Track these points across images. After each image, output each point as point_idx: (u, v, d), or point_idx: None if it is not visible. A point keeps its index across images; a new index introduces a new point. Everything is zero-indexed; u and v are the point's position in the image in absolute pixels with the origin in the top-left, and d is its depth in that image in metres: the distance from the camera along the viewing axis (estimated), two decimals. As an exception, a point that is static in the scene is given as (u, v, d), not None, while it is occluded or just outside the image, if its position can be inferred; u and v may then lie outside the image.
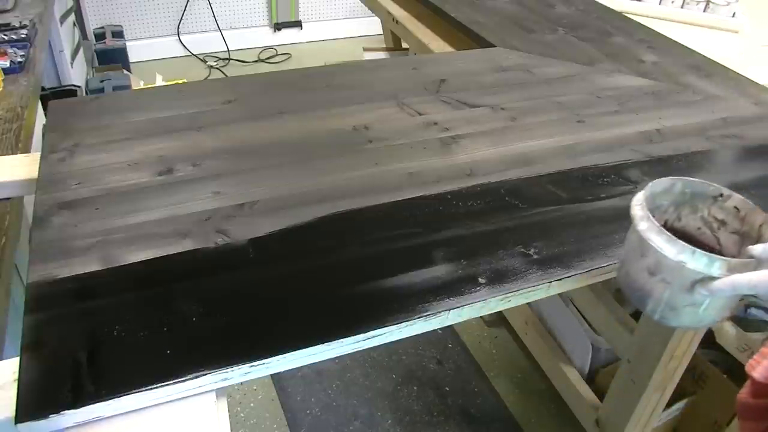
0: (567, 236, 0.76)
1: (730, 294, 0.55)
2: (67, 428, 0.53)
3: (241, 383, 1.61)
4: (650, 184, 0.63)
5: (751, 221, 0.62)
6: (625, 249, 0.64)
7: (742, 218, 0.63)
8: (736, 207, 0.63)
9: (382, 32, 2.85)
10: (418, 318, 0.63)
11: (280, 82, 1.14)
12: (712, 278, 0.55)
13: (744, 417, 0.57)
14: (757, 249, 0.55)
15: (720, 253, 0.61)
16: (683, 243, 0.55)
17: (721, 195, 0.64)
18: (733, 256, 0.60)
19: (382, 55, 2.53)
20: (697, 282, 0.56)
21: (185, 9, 3.37)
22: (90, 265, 0.66)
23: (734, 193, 0.63)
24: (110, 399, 0.53)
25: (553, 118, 1.04)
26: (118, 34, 3.06)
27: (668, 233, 0.56)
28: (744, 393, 0.57)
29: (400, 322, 0.62)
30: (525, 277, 0.69)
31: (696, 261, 0.55)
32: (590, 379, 1.46)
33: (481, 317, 1.83)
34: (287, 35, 3.71)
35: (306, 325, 0.61)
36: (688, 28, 1.72)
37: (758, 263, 0.55)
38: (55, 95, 1.78)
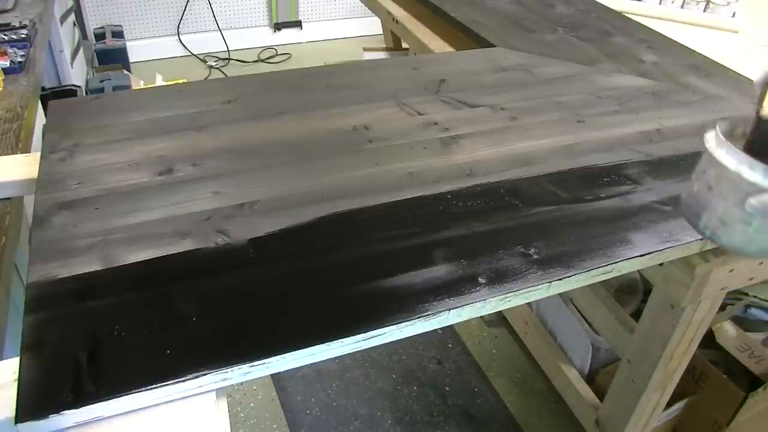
0: (567, 236, 0.76)
1: None
2: (67, 428, 0.53)
3: (241, 383, 1.61)
4: (727, 118, 0.65)
5: None
6: (693, 175, 0.66)
7: None
8: None
9: (382, 32, 2.85)
10: (418, 318, 0.63)
11: (280, 82, 1.14)
12: (766, 190, 0.56)
13: None
14: None
15: None
16: (745, 155, 0.57)
17: None
18: None
19: (382, 55, 2.53)
20: (750, 194, 0.57)
21: (185, 9, 3.37)
22: (90, 265, 0.66)
23: None
24: (110, 399, 0.53)
25: (553, 118, 1.04)
26: (118, 34, 3.06)
27: (731, 145, 0.58)
28: None
29: (400, 322, 0.62)
30: (525, 277, 0.69)
31: (754, 172, 0.56)
32: (590, 379, 1.45)
33: (481, 317, 1.83)
34: (287, 35, 3.71)
35: (306, 325, 0.61)
36: (688, 28, 1.72)
37: None
38: (55, 95, 1.78)
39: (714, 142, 0.61)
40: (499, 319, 1.84)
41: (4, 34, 1.41)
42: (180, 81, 2.01)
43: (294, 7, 3.64)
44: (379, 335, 0.62)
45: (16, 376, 0.54)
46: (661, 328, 1.05)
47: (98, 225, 0.72)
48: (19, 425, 0.50)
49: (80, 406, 0.52)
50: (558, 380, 1.49)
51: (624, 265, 0.74)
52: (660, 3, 1.80)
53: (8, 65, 1.27)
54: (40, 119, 1.23)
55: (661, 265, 0.90)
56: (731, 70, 1.30)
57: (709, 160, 0.61)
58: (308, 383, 1.63)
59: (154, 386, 0.54)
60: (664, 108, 1.11)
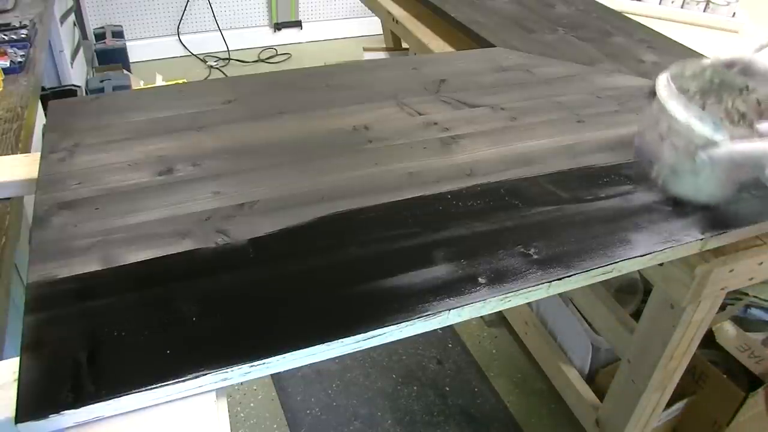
0: (567, 236, 0.76)
1: (727, 161, 0.56)
2: (67, 428, 0.53)
3: (241, 383, 1.61)
4: (680, 61, 0.64)
5: None
6: (643, 120, 0.66)
7: (761, 112, 0.64)
8: (758, 100, 0.64)
9: (382, 32, 2.85)
10: (418, 318, 0.63)
11: (280, 82, 1.14)
12: (715, 144, 0.56)
13: None
14: (763, 125, 0.57)
15: None
16: (695, 107, 0.57)
17: (747, 87, 0.65)
18: None
19: (382, 55, 2.53)
20: (700, 146, 0.58)
21: (185, 9, 3.37)
22: (90, 265, 0.66)
23: (761, 87, 0.64)
24: (110, 399, 0.53)
25: (553, 118, 1.04)
26: (118, 34, 3.06)
27: (684, 98, 0.58)
28: None
29: (400, 322, 0.62)
30: (525, 277, 0.69)
31: (703, 125, 0.57)
32: (590, 379, 1.45)
33: (481, 317, 1.83)
34: (287, 35, 3.71)
35: (306, 325, 0.61)
36: (688, 28, 1.72)
37: (761, 139, 0.56)
38: (55, 95, 1.78)
39: (665, 92, 0.61)
40: (499, 319, 1.84)
41: (4, 34, 1.41)
42: (180, 81, 2.01)
43: (294, 7, 3.64)
44: (379, 335, 0.62)
45: (16, 376, 0.54)
46: (661, 328, 1.05)
47: (98, 225, 0.72)
48: (19, 425, 0.50)
49: (80, 406, 0.52)
50: (558, 380, 1.49)
51: (624, 265, 0.74)
52: (660, 3, 1.80)
53: (8, 65, 1.27)
54: (40, 119, 1.23)
55: (661, 265, 0.90)
56: (731, 70, 1.30)
57: (660, 109, 0.61)
58: (308, 383, 1.63)
59: (154, 386, 0.54)
60: (664, 108, 1.11)
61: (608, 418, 1.28)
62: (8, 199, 0.90)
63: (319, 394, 1.60)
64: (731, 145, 0.55)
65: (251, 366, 0.57)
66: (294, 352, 0.58)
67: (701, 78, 0.66)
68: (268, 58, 3.54)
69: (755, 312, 1.42)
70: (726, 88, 0.66)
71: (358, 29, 3.83)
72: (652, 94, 0.64)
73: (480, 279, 0.68)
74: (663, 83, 0.62)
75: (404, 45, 2.45)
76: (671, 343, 1.04)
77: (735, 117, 0.66)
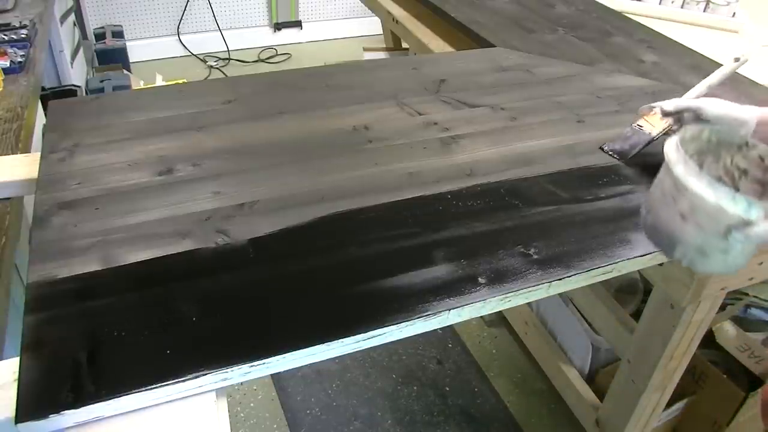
0: (567, 236, 0.76)
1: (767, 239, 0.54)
2: (67, 428, 0.53)
3: (241, 383, 1.61)
4: (683, 129, 0.63)
5: None
6: (652, 195, 0.63)
7: (766, 168, 0.63)
8: (760, 156, 0.63)
9: (382, 32, 2.85)
10: (418, 318, 0.63)
11: (280, 82, 1.14)
12: (749, 223, 0.54)
13: None
14: None
15: None
16: (723, 186, 0.55)
17: (747, 144, 0.64)
18: None
19: (382, 55, 2.53)
20: (733, 226, 0.55)
21: (185, 9, 3.37)
22: (90, 265, 0.66)
23: (759, 143, 0.63)
24: (110, 399, 0.53)
25: (553, 118, 1.04)
26: (118, 34, 3.05)
27: (708, 177, 0.56)
28: (767, 391, 0.57)
29: (400, 322, 0.62)
30: (525, 277, 0.69)
31: (736, 205, 0.54)
32: (590, 379, 1.45)
33: (481, 317, 1.83)
34: (287, 35, 3.71)
35: (306, 325, 0.61)
36: (688, 28, 1.72)
37: None
38: (55, 95, 1.78)
39: (682, 168, 0.57)
40: (499, 319, 1.84)
41: (4, 34, 1.41)
42: (180, 81, 2.01)
43: (294, 7, 3.64)
44: (379, 335, 0.62)
45: (16, 376, 0.54)
46: (661, 328, 1.05)
47: (98, 225, 0.72)
48: (19, 425, 0.50)
49: (80, 406, 0.52)
50: (558, 380, 1.49)
51: (624, 265, 0.74)
52: (660, 3, 1.80)
53: (8, 65, 1.27)
54: (40, 119, 1.23)
55: (661, 265, 0.90)
56: (731, 70, 1.30)
57: (677, 185, 0.58)
58: (308, 383, 1.63)
59: (154, 386, 0.54)
60: (664, 108, 1.11)
61: (608, 418, 1.28)
62: (8, 199, 0.90)
63: (319, 394, 1.60)
64: None
65: (251, 366, 0.57)
66: (294, 352, 0.58)
67: (699, 139, 0.65)
68: (268, 58, 3.54)
69: (755, 312, 1.42)
70: (724, 145, 0.65)
71: (358, 29, 3.83)
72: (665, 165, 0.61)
73: (480, 279, 0.68)
74: (675, 157, 0.59)
75: (404, 45, 2.45)
76: (671, 343, 1.04)
77: (735, 174, 0.65)
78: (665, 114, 0.88)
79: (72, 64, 2.14)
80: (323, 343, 0.59)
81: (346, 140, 0.94)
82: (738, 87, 1.22)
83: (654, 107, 0.91)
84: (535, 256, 0.72)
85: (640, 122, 0.93)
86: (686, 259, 0.60)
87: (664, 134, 0.89)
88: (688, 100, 0.90)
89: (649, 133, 0.91)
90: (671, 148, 0.60)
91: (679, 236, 0.59)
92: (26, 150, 1.05)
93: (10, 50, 1.32)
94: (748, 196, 0.63)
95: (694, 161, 0.66)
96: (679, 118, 0.87)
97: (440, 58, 1.38)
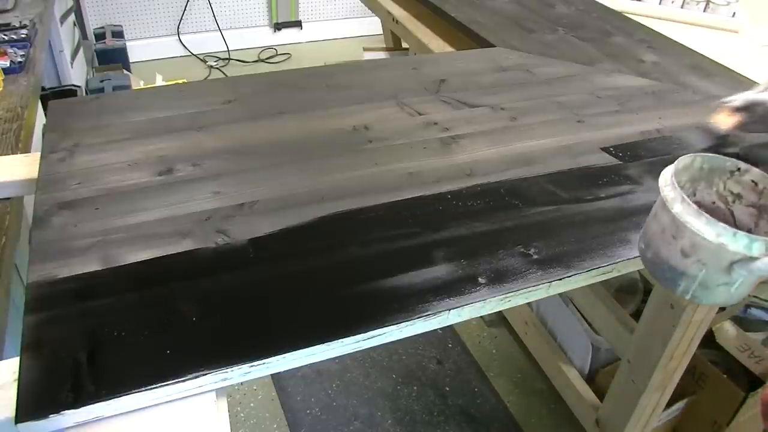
0: (567, 236, 0.76)
1: None
2: (67, 428, 0.53)
3: (241, 383, 1.61)
4: (676, 161, 0.63)
5: None
6: (650, 229, 0.63)
7: (760, 191, 0.63)
8: (753, 180, 0.63)
9: (382, 32, 2.85)
10: (418, 318, 0.63)
11: (280, 82, 1.14)
12: (751, 258, 0.55)
13: None
14: None
15: (735, 227, 0.61)
16: (723, 225, 0.55)
17: (739, 169, 0.64)
18: (750, 230, 0.60)
19: (382, 55, 2.53)
20: (736, 262, 0.56)
21: (185, 9, 3.37)
22: (90, 265, 0.66)
23: (752, 167, 0.64)
24: (110, 399, 0.53)
25: (553, 118, 1.04)
26: (118, 34, 3.06)
27: (707, 215, 0.56)
28: (767, 394, 0.57)
29: (400, 322, 0.62)
30: (525, 277, 0.69)
31: (737, 242, 0.55)
32: (590, 379, 1.45)
33: (481, 317, 1.83)
34: (287, 35, 3.71)
35: (306, 325, 0.61)
36: (688, 28, 1.72)
37: None
38: (55, 95, 1.78)
39: (680, 207, 0.58)
40: (499, 319, 1.84)
41: (4, 34, 1.41)
42: (180, 81, 2.01)
43: (294, 7, 3.64)
44: (379, 335, 0.62)
45: (16, 376, 0.54)
46: (661, 328, 1.05)
47: (98, 225, 0.72)
48: (19, 425, 0.50)
49: (80, 406, 0.52)
50: (558, 380, 1.49)
51: (624, 265, 0.74)
52: (660, 3, 1.80)
53: (8, 65, 1.27)
54: (40, 119, 1.23)
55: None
56: (731, 70, 1.30)
57: (675, 223, 0.58)
58: (308, 383, 1.63)
59: (154, 386, 0.54)
60: (664, 108, 1.11)
61: (608, 418, 1.28)
62: (8, 199, 0.90)
63: (319, 394, 1.60)
64: None
65: (251, 366, 0.57)
66: (294, 352, 0.58)
67: (691, 168, 0.65)
68: (268, 58, 3.54)
69: (755, 312, 1.42)
70: (716, 172, 0.66)
71: (358, 29, 3.83)
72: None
73: (480, 279, 0.68)
74: (672, 195, 0.59)
75: (404, 45, 2.45)
76: (671, 343, 1.04)
77: (729, 198, 0.66)
78: (736, 109, 0.88)
79: (72, 64, 2.14)
80: (323, 343, 0.59)
81: (346, 140, 0.94)
82: (737, 87, 1.22)
83: (728, 102, 0.90)
84: (535, 256, 0.72)
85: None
86: (689, 294, 0.61)
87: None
88: (757, 94, 0.90)
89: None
90: (667, 184, 0.60)
91: (682, 272, 0.60)
92: (26, 150, 1.05)
93: (10, 50, 1.32)
94: (743, 219, 0.64)
95: (687, 189, 0.66)
96: (748, 111, 0.87)
97: (440, 58, 1.38)
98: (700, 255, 0.57)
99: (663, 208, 0.60)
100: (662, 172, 0.62)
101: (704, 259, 0.57)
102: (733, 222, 0.65)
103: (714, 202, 0.67)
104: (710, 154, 0.65)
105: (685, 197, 0.58)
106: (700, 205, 0.66)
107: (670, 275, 0.61)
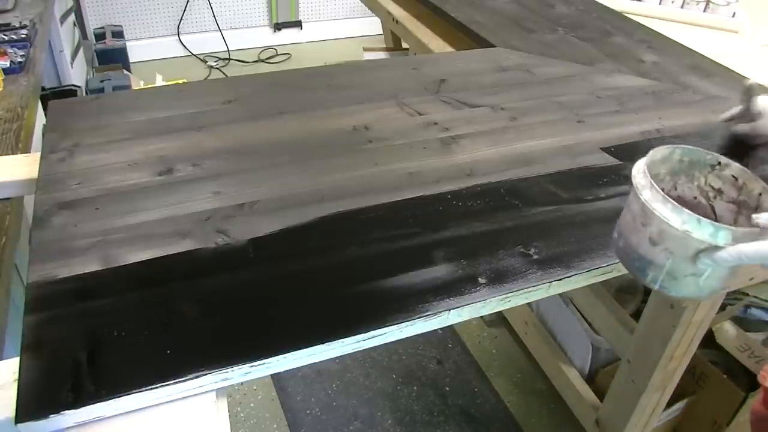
0: (567, 236, 0.76)
1: (735, 264, 0.54)
2: (68, 428, 0.53)
3: (241, 383, 1.61)
4: (651, 152, 0.62)
5: (750, 189, 0.61)
6: (623, 218, 0.63)
7: (740, 187, 0.62)
8: (733, 176, 0.63)
9: (382, 32, 2.85)
10: (418, 318, 0.63)
11: (280, 82, 1.14)
12: (717, 247, 0.54)
13: (760, 428, 0.56)
14: (762, 218, 0.54)
15: (716, 221, 0.61)
16: (688, 212, 0.55)
17: (719, 164, 0.64)
18: (731, 225, 0.60)
19: (382, 55, 2.53)
20: (701, 251, 0.55)
21: (185, 9, 3.37)
22: (90, 265, 0.66)
23: (732, 162, 0.63)
24: (110, 399, 0.53)
25: (553, 118, 1.04)
26: (118, 34, 3.05)
27: (673, 202, 0.56)
28: (758, 404, 0.57)
29: (400, 322, 0.62)
30: (525, 277, 0.69)
31: (702, 230, 0.54)
32: (590, 379, 1.45)
33: (481, 317, 1.83)
34: (287, 35, 3.71)
35: (306, 325, 0.61)
36: (688, 28, 1.72)
37: (762, 232, 0.54)
38: (55, 95, 1.78)
39: (649, 194, 0.57)
40: (499, 319, 1.84)
41: (4, 34, 1.41)
42: (180, 81, 2.01)
43: (294, 7, 3.64)
44: (379, 335, 0.62)
45: (16, 376, 0.54)
46: (661, 328, 1.05)
47: (98, 225, 0.72)
48: (19, 425, 0.50)
49: (80, 406, 0.52)
50: (558, 380, 1.49)
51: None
52: (660, 3, 1.80)
53: (8, 65, 1.27)
54: (40, 119, 1.23)
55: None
56: (731, 70, 1.30)
57: (645, 211, 0.58)
58: (308, 383, 1.63)
59: (154, 386, 0.54)
60: (664, 108, 1.11)
61: (608, 418, 1.28)
62: (8, 199, 0.90)
63: (319, 394, 1.60)
64: (739, 248, 0.53)
65: (251, 366, 0.57)
66: (294, 352, 0.58)
67: (670, 160, 0.64)
68: (268, 58, 3.53)
69: (755, 312, 1.42)
70: (696, 166, 0.65)
71: (358, 29, 3.83)
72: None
73: (480, 279, 0.68)
74: (642, 182, 0.59)
75: (404, 45, 2.45)
76: (671, 343, 1.04)
77: (710, 194, 0.65)
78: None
79: (72, 64, 2.14)
80: (323, 343, 0.59)
81: (346, 140, 0.94)
82: (738, 87, 1.22)
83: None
84: (535, 256, 0.72)
85: None
86: (657, 284, 0.60)
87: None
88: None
89: None
90: (639, 172, 0.60)
91: (650, 261, 0.59)
92: (26, 150, 1.05)
93: (10, 50, 1.32)
94: (724, 216, 0.64)
95: (668, 182, 0.66)
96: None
97: (440, 58, 1.38)
98: (667, 243, 0.57)
99: (634, 196, 0.59)
100: (637, 162, 0.62)
101: (671, 247, 0.57)
102: (714, 218, 0.64)
103: (695, 197, 0.66)
104: (690, 147, 0.64)
105: (654, 184, 0.57)
106: (681, 200, 0.65)
107: (639, 264, 0.60)
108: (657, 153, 0.63)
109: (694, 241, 0.55)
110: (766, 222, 0.54)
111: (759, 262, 0.53)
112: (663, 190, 0.65)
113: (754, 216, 0.55)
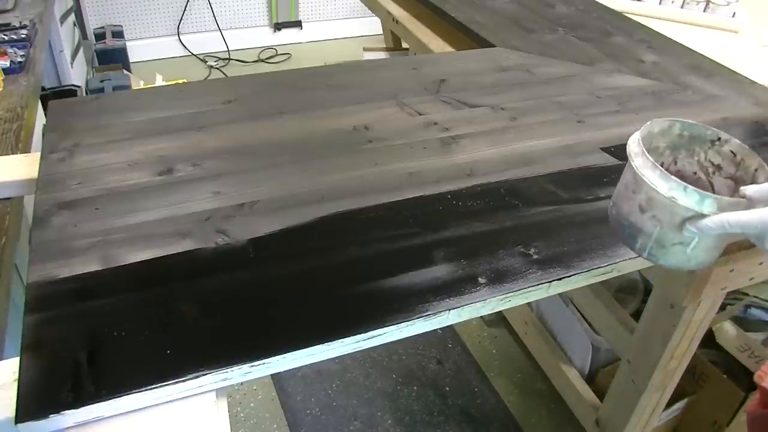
0: (567, 236, 0.76)
1: (719, 232, 0.54)
2: (68, 428, 0.53)
3: (241, 383, 1.61)
4: (648, 122, 0.62)
5: (747, 165, 0.61)
6: (617, 188, 0.63)
7: (738, 162, 0.62)
8: (732, 151, 0.63)
9: (382, 32, 2.85)
10: (418, 318, 0.63)
11: (280, 82, 1.14)
12: (703, 216, 0.55)
13: (755, 429, 0.56)
14: (749, 189, 0.55)
15: None
16: (676, 179, 0.55)
17: (719, 139, 0.64)
18: None
19: (382, 55, 2.53)
20: (687, 219, 0.56)
21: (185, 9, 3.37)
22: (90, 265, 0.66)
23: (732, 138, 0.63)
24: (110, 399, 0.53)
25: (553, 118, 1.04)
26: (118, 34, 3.05)
27: (662, 169, 0.56)
28: (753, 404, 0.56)
29: (400, 322, 0.62)
30: (525, 277, 0.69)
31: (687, 197, 0.55)
32: (590, 379, 1.45)
33: (481, 317, 1.83)
34: (287, 35, 3.71)
35: (306, 325, 0.61)
36: (688, 28, 1.72)
37: (749, 203, 0.54)
38: (55, 95, 1.78)
39: (640, 161, 0.58)
40: (499, 319, 1.84)
41: (4, 34, 1.41)
42: (180, 81, 2.01)
43: (294, 7, 3.64)
44: (379, 335, 0.62)
45: (16, 376, 0.54)
46: (661, 328, 1.05)
47: (98, 225, 0.72)
48: (19, 425, 0.50)
49: (80, 406, 0.52)
50: (558, 380, 1.49)
51: (624, 265, 0.74)
52: (660, 3, 1.80)
53: (8, 65, 1.27)
54: (40, 119, 1.23)
55: (661, 265, 0.90)
56: (731, 70, 1.30)
57: (636, 179, 0.58)
58: (308, 383, 1.63)
59: (154, 386, 0.54)
60: (664, 108, 1.11)
61: (608, 418, 1.28)
62: (8, 199, 0.90)
63: (319, 394, 1.60)
64: (722, 216, 0.53)
65: (251, 366, 0.57)
66: (294, 352, 0.58)
67: (670, 133, 0.65)
68: (268, 58, 3.53)
69: (755, 312, 1.42)
70: (696, 141, 0.65)
71: (358, 29, 3.83)
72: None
73: (480, 279, 0.68)
74: (635, 150, 0.60)
75: (404, 45, 2.45)
76: (671, 343, 1.04)
77: (710, 169, 0.65)
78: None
79: (72, 64, 2.14)
80: (323, 343, 0.59)
81: (346, 140, 0.94)
82: (738, 87, 1.22)
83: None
84: (535, 256, 0.72)
85: None
86: (646, 252, 0.61)
87: None
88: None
89: None
90: (632, 141, 0.61)
91: (639, 228, 0.60)
92: (26, 150, 1.05)
93: (10, 50, 1.32)
94: (721, 192, 0.63)
95: (667, 156, 0.66)
96: None
97: (440, 58, 1.38)
98: (655, 210, 0.58)
99: (629, 165, 0.60)
100: (634, 133, 0.62)
101: (659, 215, 0.57)
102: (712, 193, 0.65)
103: (695, 173, 0.66)
104: (690, 121, 0.64)
105: (645, 152, 0.58)
106: (681, 175, 0.66)
107: (629, 231, 0.61)
108: (655, 125, 0.63)
109: (680, 209, 0.55)
110: (752, 193, 0.54)
111: (741, 230, 0.53)
112: (663, 164, 0.66)
113: (741, 188, 0.56)
